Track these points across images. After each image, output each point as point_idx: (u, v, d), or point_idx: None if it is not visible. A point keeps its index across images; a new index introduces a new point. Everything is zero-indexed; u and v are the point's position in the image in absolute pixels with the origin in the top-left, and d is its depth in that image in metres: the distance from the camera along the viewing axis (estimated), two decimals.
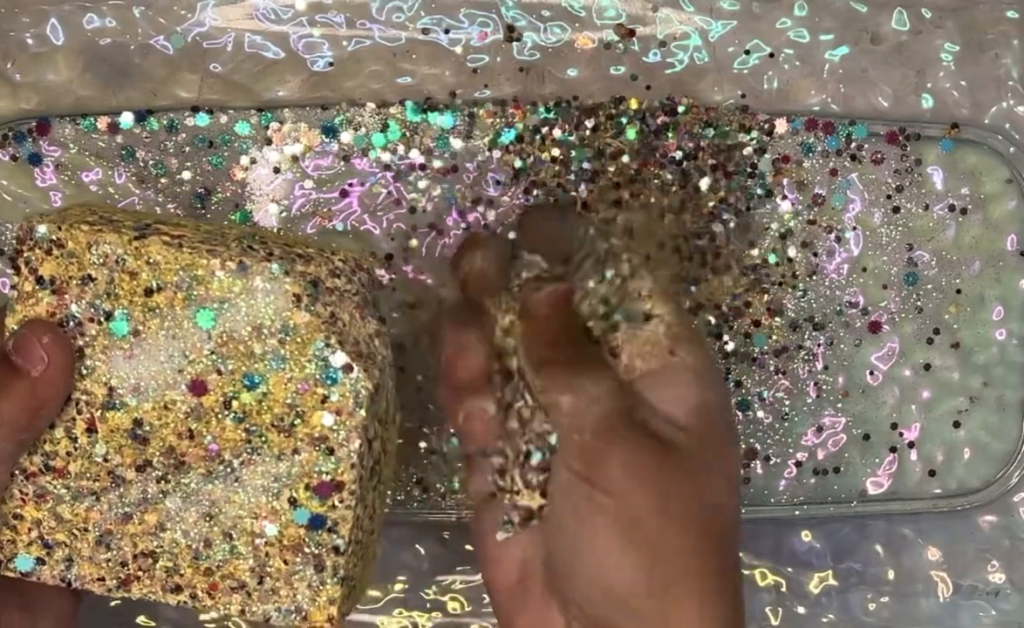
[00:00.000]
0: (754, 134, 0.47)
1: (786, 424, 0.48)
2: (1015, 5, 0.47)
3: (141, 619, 0.48)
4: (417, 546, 0.48)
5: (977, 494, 0.49)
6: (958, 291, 0.48)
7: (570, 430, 0.36)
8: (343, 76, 0.46)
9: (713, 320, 0.47)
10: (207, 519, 0.36)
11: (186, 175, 0.46)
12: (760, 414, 0.48)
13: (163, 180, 0.46)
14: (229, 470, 0.36)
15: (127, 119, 0.45)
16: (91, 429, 0.36)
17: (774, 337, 0.48)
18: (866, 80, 0.47)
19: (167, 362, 0.35)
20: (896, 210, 0.48)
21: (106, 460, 0.36)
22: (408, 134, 0.46)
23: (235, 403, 0.35)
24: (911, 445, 0.49)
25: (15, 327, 0.35)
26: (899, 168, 0.48)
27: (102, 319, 0.35)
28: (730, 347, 0.47)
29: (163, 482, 0.36)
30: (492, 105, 0.46)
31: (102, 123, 0.45)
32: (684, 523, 0.35)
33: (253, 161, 0.46)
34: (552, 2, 0.46)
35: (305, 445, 0.36)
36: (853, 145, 0.47)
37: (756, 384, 0.48)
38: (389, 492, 0.45)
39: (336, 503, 0.36)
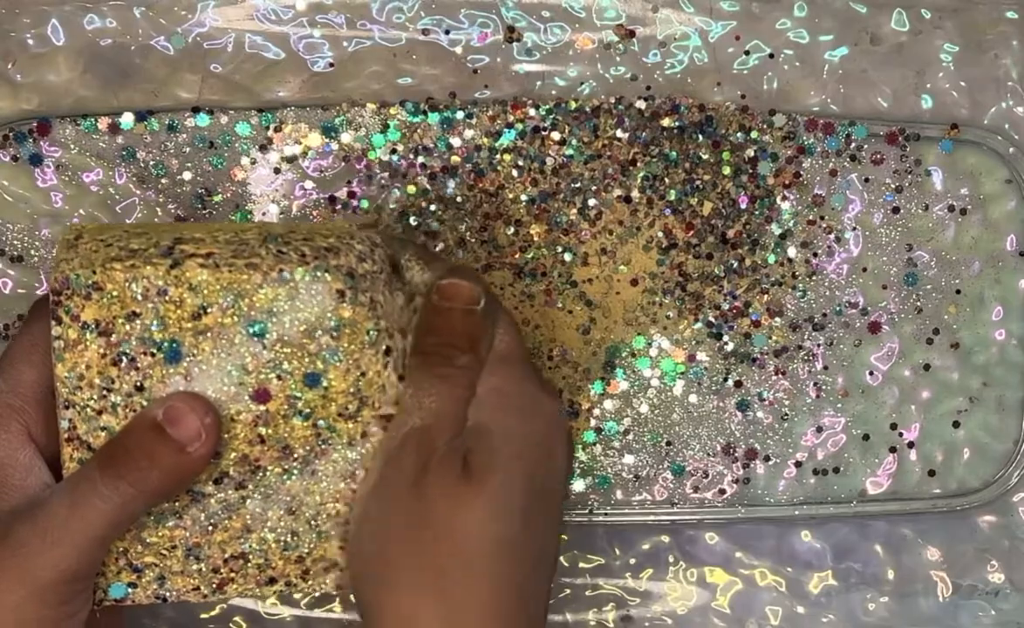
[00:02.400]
0: (754, 134, 0.47)
1: (786, 424, 0.48)
2: (1015, 6, 0.47)
3: (143, 619, 0.48)
4: None
5: (977, 494, 0.49)
6: (958, 291, 0.48)
7: (401, 421, 0.37)
8: (343, 77, 0.46)
9: (713, 320, 0.47)
10: (290, 513, 0.37)
11: (187, 175, 0.46)
12: (760, 414, 0.48)
13: (164, 180, 0.46)
14: (304, 465, 0.37)
15: (127, 119, 0.45)
16: None
17: (774, 337, 0.48)
18: (866, 80, 0.47)
19: (226, 378, 0.36)
20: (896, 210, 0.48)
21: None
22: (408, 134, 0.46)
23: (299, 403, 0.36)
24: (911, 445, 0.49)
25: (70, 375, 0.35)
26: (899, 168, 0.48)
27: (154, 352, 0.35)
28: (730, 347, 0.47)
29: (241, 488, 0.37)
30: (492, 105, 0.46)
31: (103, 123, 0.45)
32: (427, 541, 0.35)
33: (253, 162, 0.46)
34: (552, 2, 0.46)
35: (373, 427, 0.37)
36: (853, 145, 0.47)
37: (756, 384, 0.48)
38: None
39: None
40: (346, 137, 0.46)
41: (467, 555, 0.35)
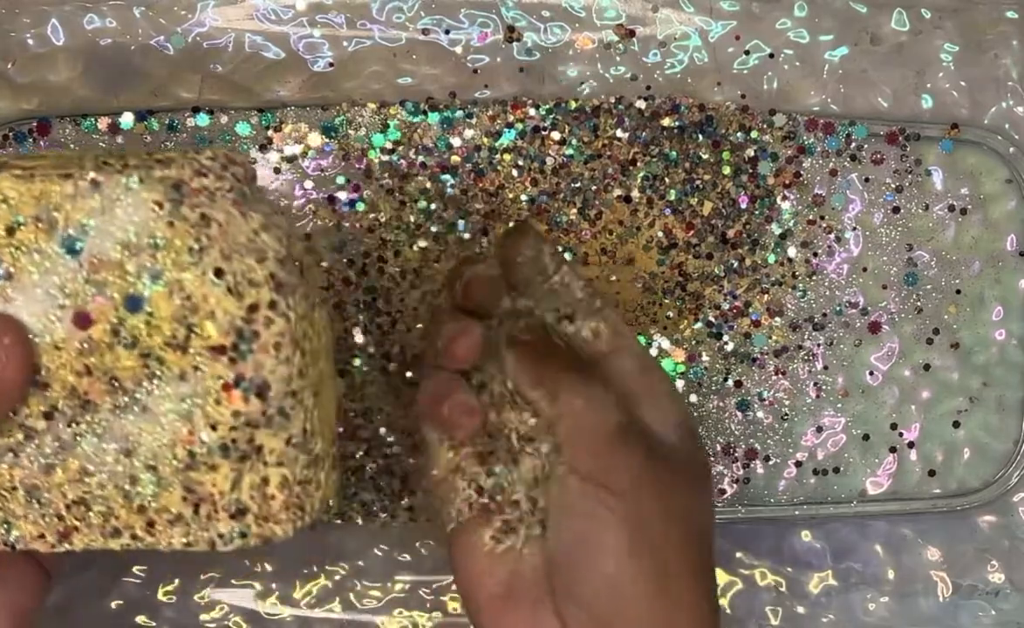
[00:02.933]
0: (754, 134, 0.47)
1: (786, 424, 0.48)
2: (1015, 5, 0.47)
3: (141, 619, 0.48)
4: (417, 546, 0.48)
5: (977, 494, 0.49)
6: (958, 291, 0.48)
7: (580, 434, 0.37)
8: (343, 76, 0.46)
9: (713, 320, 0.47)
10: (127, 455, 0.35)
11: None
12: (760, 414, 0.48)
13: None
14: (134, 401, 0.34)
15: (127, 119, 0.45)
16: None
17: (774, 337, 0.48)
18: (866, 80, 0.47)
19: (46, 300, 0.33)
20: (896, 210, 0.48)
21: (14, 413, 0.34)
22: (408, 133, 0.46)
23: (123, 329, 0.33)
24: (911, 445, 0.49)
25: None
26: (899, 168, 0.48)
27: None
28: (730, 347, 0.47)
29: (74, 425, 0.34)
30: (492, 105, 0.46)
31: (102, 123, 0.45)
32: (682, 528, 0.37)
33: (253, 162, 0.46)
34: (552, 2, 0.46)
35: (205, 360, 0.34)
36: (853, 145, 0.47)
37: (756, 384, 0.48)
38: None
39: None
40: (346, 137, 0.46)
41: (709, 547, 0.38)
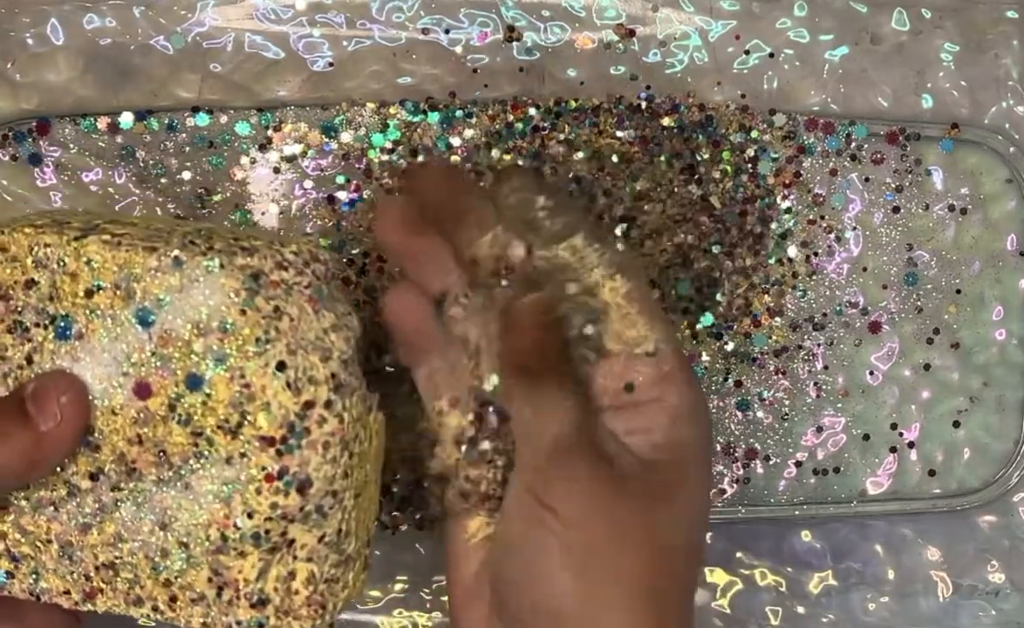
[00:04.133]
0: (754, 134, 0.47)
1: (786, 424, 0.48)
2: (1015, 5, 0.47)
3: (141, 619, 0.48)
4: (417, 546, 0.48)
5: (977, 494, 0.49)
6: (958, 291, 0.48)
7: (527, 445, 0.35)
8: (343, 76, 0.46)
9: (713, 319, 0.47)
10: (162, 528, 0.35)
11: (186, 175, 0.46)
12: (760, 414, 0.48)
13: (163, 180, 0.46)
14: (179, 476, 0.35)
15: (127, 119, 0.45)
16: None
17: (774, 337, 0.48)
18: (866, 80, 0.47)
19: (112, 365, 0.34)
20: (896, 210, 0.48)
21: (61, 469, 0.35)
22: (408, 133, 0.46)
23: (179, 405, 0.34)
24: (911, 445, 0.49)
25: None
26: (899, 168, 0.48)
27: (47, 324, 0.34)
28: (730, 347, 0.47)
29: (116, 490, 0.35)
30: (492, 105, 0.46)
31: (102, 123, 0.45)
32: (632, 557, 0.34)
33: (253, 161, 0.46)
34: (552, 2, 0.46)
35: (254, 449, 0.34)
36: (853, 145, 0.47)
37: (756, 384, 0.48)
38: None
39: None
40: (346, 137, 0.46)
41: (672, 569, 0.35)
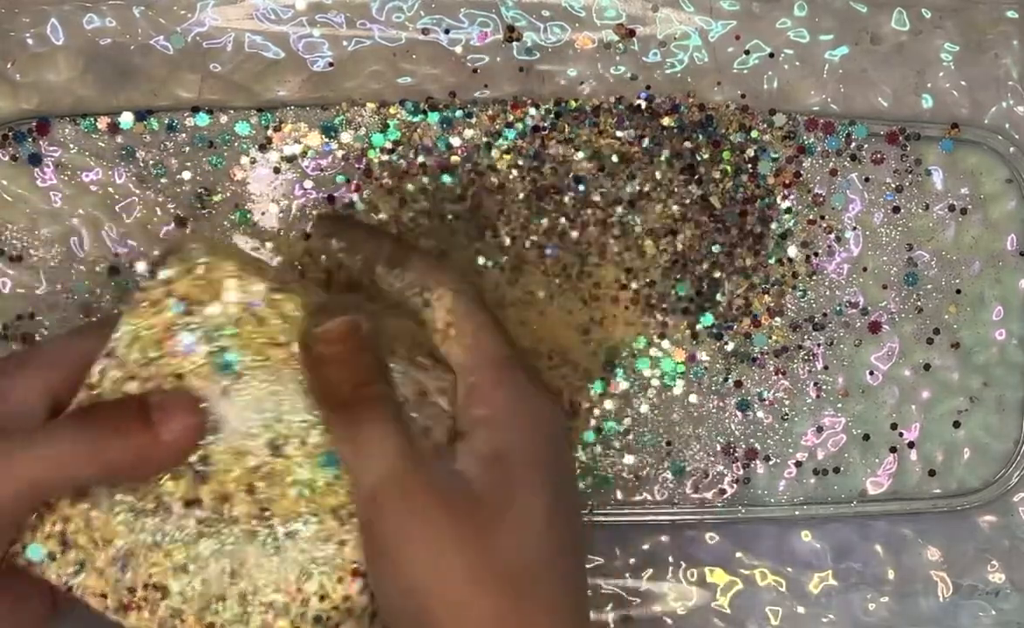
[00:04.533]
0: (754, 134, 0.47)
1: (786, 424, 0.48)
2: (1015, 5, 0.47)
3: None
4: None
5: (977, 494, 0.49)
6: (958, 291, 0.48)
7: (353, 485, 0.35)
8: (343, 76, 0.46)
9: (713, 319, 0.47)
10: (231, 576, 0.35)
11: (186, 175, 0.46)
12: (760, 414, 0.48)
13: (163, 180, 0.46)
14: (272, 537, 0.35)
15: (127, 119, 0.45)
16: None
17: (774, 337, 0.48)
18: (866, 80, 0.47)
19: (257, 415, 0.35)
20: (896, 210, 0.48)
21: (159, 482, 0.35)
22: (408, 133, 0.46)
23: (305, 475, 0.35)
24: (911, 445, 0.49)
25: (130, 328, 0.35)
26: (899, 168, 0.48)
27: (213, 352, 0.35)
28: (730, 347, 0.47)
29: (204, 524, 0.35)
30: (492, 105, 0.46)
31: (102, 123, 0.45)
32: (461, 588, 0.33)
33: (253, 161, 0.46)
34: (552, 2, 0.46)
35: (354, 540, 0.35)
36: (853, 145, 0.47)
37: (756, 384, 0.48)
38: None
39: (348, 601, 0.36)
40: (346, 137, 0.46)
41: (521, 588, 0.34)
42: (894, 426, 0.49)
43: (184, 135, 0.46)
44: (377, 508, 0.34)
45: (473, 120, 0.46)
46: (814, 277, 0.48)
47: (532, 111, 0.46)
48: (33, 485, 0.33)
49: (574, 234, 0.46)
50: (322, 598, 0.35)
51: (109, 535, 0.36)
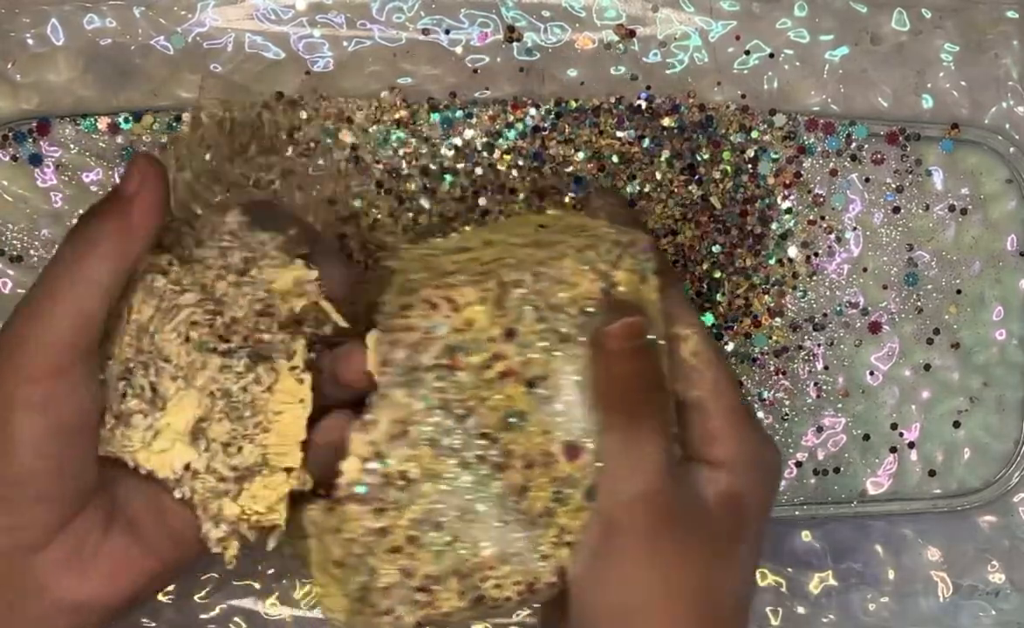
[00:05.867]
0: (754, 134, 0.47)
1: (786, 424, 0.48)
2: (1015, 5, 0.47)
3: (143, 619, 0.48)
4: None
5: (977, 494, 0.49)
6: (958, 291, 0.48)
7: (609, 489, 0.35)
8: (343, 76, 0.46)
9: (713, 319, 0.47)
10: (459, 514, 0.35)
11: (187, 175, 0.46)
12: (760, 414, 0.48)
13: None
14: (505, 512, 0.35)
15: (127, 119, 0.45)
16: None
17: (774, 337, 0.48)
18: (866, 80, 0.47)
19: (559, 421, 0.35)
20: (896, 210, 0.48)
21: (480, 433, 0.35)
22: (408, 134, 0.46)
23: (582, 483, 0.35)
24: (911, 445, 0.49)
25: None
26: (899, 168, 0.48)
27: (526, 381, 0.35)
28: (730, 347, 0.47)
29: (478, 463, 0.35)
30: (492, 105, 0.46)
31: (102, 123, 0.45)
32: (678, 614, 0.35)
33: None
34: (552, 2, 0.46)
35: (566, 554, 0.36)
36: (853, 145, 0.47)
37: (756, 384, 0.48)
38: None
39: None
40: (348, 137, 0.46)
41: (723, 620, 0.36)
42: (894, 426, 0.49)
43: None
44: (630, 514, 0.35)
45: (473, 120, 0.46)
46: (814, 277, 0.48)
47: (532, 111, 0.46)
48: (98, 287, 0.34)
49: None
50: (497, 586, 0.35)
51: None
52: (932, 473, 0.49)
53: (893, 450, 0.49)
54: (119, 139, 0.46)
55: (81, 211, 0.45)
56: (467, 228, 0.44)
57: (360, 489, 0.35)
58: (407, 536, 0.35)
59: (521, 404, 0.35)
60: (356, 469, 0.35)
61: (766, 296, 0.47)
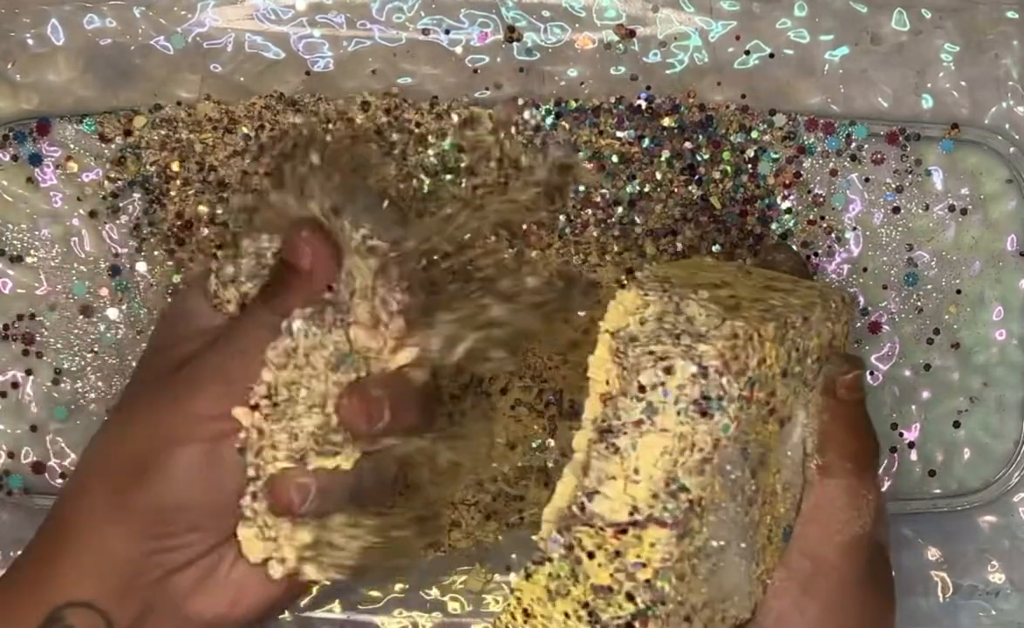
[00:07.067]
0: (754, 134, 0.47)
1: None
2: (1015, 5, 0.47)
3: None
4: None
5: (977, 494, 0.49)
6: (958, 291, 0.48)
7: (819, 530, 0.37)
8: (343, 76, 0.46)
9: None
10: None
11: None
12: None
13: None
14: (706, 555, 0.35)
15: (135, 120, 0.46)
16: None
17: None
18: (866, 80, 0.47)
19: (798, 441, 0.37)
20: (896, 210, 0.48)
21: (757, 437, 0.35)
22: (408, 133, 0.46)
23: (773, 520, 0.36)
24: (911, 445, 0.49)
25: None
26: (899, 168, 0.48)
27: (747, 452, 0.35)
28: None
29: (714, 507, 0.35)
30: (492, 105, 0.46)
31: (114, 129, 0.45)
32: None
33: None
34: (552, 2, 0.46)
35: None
36: (853, 145, 0.47)
37: None
38: None
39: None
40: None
41: None
42: (894, 426, 0.49)
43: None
44: (846, 557, 0.37)
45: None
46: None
47: (532, 111, 0.46)
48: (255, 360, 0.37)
49: (574, 234, 0.46)
50: (723, 619, 0.36)
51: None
52: (932, 473, 0.49)
53: (893, 450, 0.49)
54: (118, 139, 0.46)
55: (82, 211, 0.46)
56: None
57: (664, 514, 0.34)
58: (691, 564, 0.35)
59: (772, 442, 0.36)
60: (648, 494, 0.34)
61: None
